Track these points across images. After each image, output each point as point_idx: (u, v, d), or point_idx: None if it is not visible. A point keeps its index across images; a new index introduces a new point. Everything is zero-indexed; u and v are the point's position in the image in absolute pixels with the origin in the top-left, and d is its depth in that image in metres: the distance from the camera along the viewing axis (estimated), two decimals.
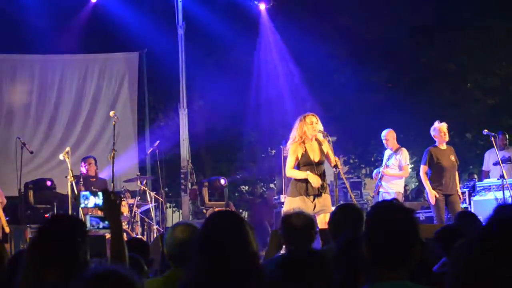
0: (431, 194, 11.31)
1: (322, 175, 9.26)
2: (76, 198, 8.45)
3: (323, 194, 9.19)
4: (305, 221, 5.29)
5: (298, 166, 9.33)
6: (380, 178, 12.07)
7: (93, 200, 4.07)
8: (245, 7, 17.43)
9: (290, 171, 9.28)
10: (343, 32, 18.93)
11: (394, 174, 11.86)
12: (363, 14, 18.68)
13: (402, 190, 11.85)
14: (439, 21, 18.36)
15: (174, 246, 4.33)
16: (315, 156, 9.26)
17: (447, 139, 11.62)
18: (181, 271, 4.30)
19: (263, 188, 20.12)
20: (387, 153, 12.17)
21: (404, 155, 11.83)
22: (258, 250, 3.56)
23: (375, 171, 12.70)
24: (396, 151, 11.94)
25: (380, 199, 11.98)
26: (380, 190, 12.07)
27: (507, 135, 13.53)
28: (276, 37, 18.14)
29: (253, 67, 18.62)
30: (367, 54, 18.93)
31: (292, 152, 9.26)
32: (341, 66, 19.37)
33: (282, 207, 13.17)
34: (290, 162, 9.27)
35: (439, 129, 11.59)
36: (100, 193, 4.03)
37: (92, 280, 2.56)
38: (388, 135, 12.06)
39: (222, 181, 14.71)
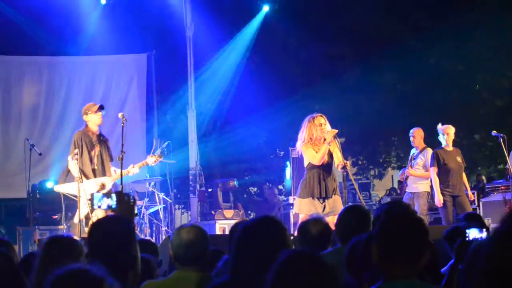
0: (439, 198, 11.31)
1: (330, 175, 9.27)
2: (90, 199, 8.43)
3: (333, 195, 9.19)
4: (321, 228, 5.30)
5: (306, 168, 9.35)
6: (406, 178, 12.04)
7: (107, 202, 4.08)
8: (251, 9, 17.46)
9: (317, 156, 9.18)
10: (350, 33, 18.92)
11: (420, 175, 11.80)
12: (371, 14, 18.66)
13: (429, 190, 11.79)
14: (448, 22, 18.33)
15: (180, 247, 4.35)
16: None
17: (449, 142, 11.58)
18: (186, 272, 4.32)
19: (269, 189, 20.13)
20: (412, 152, 12.14)
21: (430, 155, 11.76)
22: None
23: (400, 172, 12.66)
24: (421, 151, 11.91)
25: (406, 200, 11.99)
26: (406, 190, 12.04)
27: None
28: (282, 38, 18.19)
29: (260, 67, 18.64)
30: (375, 55, 18.91)
31: (307, 148, 9.22)
32: (349, 67, 19.36)
33: (291, 208, 13.20)
34: (312, 153, 9.21)
35: (444, 131, 11.59)
36: (113, 195, 4.05)
37: (58, 279, 2.58)
38: (415, 133, 11.99)
39: (235, 182, 14.75)
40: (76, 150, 9.89)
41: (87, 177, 9.69)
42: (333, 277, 2.87)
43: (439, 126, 11.71)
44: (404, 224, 3.35)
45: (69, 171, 10.10)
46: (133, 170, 10.06)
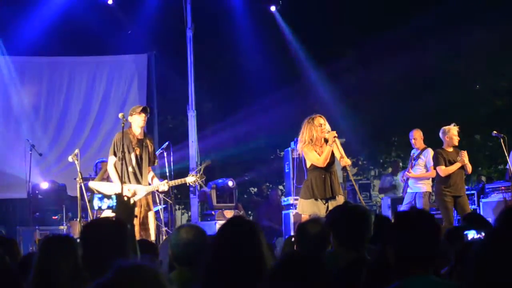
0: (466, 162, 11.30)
1: (333, 176, 9.28)
2: (90, 200, 8.40)
3: (336, 197, 9.20)
4: (320, 228, 5.31)
5: (308, 169, 9.36)
6: (407, 179, 12.04)
7: (107, 202, 4.11)
8: (254, 8, 17.45)
9: (321, 159, 9.20)
10: (349, 33, 18.91)
11: (420, 175, 11.82)
12: (370, 14, 18.65)
13: (430, 189, 11.80)
14: (448, 21, 18.32)
15: (179, 247, 4.38)
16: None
17: (455, 142, 11.59)
18: (185, 272, 4.33)
19: (269, 189, 20.12)
20: (413, 152, 12.15)
21: (431, 155, 11.77)
22: (268, 252, 3.61)
23: (401, 174, 12.66)
24: (422, 151, 11.93)
25: (407, 200, 11.98)
26: (408, 190, 12.03)
27: None
28: (285, 38, 18.19)
29: (260, 68, 18.61)
30: (375, 55, 18.90)
31: (309, 150, 9.23)
32: (349, 67, 19.34)
33: (291, 209, 13.20)
34: (315, 155, 9.23)
35: (450, 132, 11.58)
36: (114, 196, 4.08)
37: (120, 274, 2.47)
38: (416, 134, 12.03)
39: (230, 183, 14.72)
40: (77, 151, 9.88)
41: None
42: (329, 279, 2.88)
43: (446, 126, 11.69)
44: (418, 222, 3.39)
45: (106, 170, 10.00)
46: (163, 188, 9.90)
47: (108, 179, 9.93)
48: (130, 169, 9.53)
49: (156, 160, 10.04)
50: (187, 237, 4.39)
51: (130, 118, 9.70)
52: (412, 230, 3.37)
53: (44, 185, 13.71)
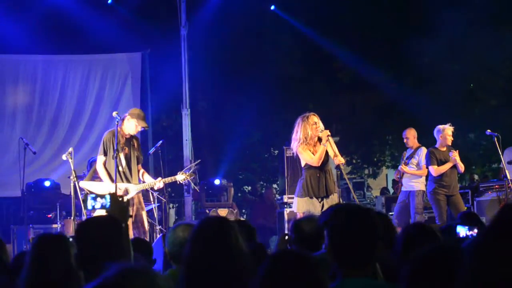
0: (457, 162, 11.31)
1: (328, 174, 9.29)
2: (84, 201, 8.34)
3: (331, 195, 9.22)
4: (315, 226, 5.31)
5: (303, 167, 9.37)
6: (401, 177, 12.03)
7: (100, 202, 4.09)
8: (249, 7, 17.46)
9: (315, 158, 9.21)
10: (346, 32, 18.94)
11: (413, 172, 11.80)
12: (367, 13, 18.68)
13: (424, 188, 11.79)
14: (442, 21, 18.35)
15: (175, 245, 4.39)
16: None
17: (449, 142, 11.58)
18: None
19: (264, 187, 20.14)
20: (407, 152, 12.14)
21: (424, 154, 11.76)
22: (244, 250, 3.62)
23: (395, 171, 12.65)
24: (416, 150, 11.92)
25: (401, 198, 11.97)
26: (402, 189, 12.02)
27: None
28: (276, 37, 18.22)
29: (255, 66, 18.63)
30: (370, 54, 18.93)
31: (303, 149, 9.25)
32: (344, 66, 19.37)
33: (285, 207, 13.22)
34: (309, 154, 9.25)
35: (444, 131, 11.57)
36: (107, 196, 4.06)
37: (115, 278, 2.44)
38: (408, 134, 12.01)
39: (217, 181, 14.76)
40: (71, 149, 9.86)
41: (112, 180, 9.39)
42: (320, 277, 2.88)
43: (441, 125, 11.68)
44: (351, 223, 3.36)
45: (95, 169, 9.95)
46: (159, 184, 9.83)
47: (99, 178, 9.90)
48: (120, 168, 9.50)
49: (141, 157, 9.95)
50: (183, 236, 4.40)
51: (127, 118, 9.52)
52: (343, 229, 3.32)
53: (47, 183, 13.71)
